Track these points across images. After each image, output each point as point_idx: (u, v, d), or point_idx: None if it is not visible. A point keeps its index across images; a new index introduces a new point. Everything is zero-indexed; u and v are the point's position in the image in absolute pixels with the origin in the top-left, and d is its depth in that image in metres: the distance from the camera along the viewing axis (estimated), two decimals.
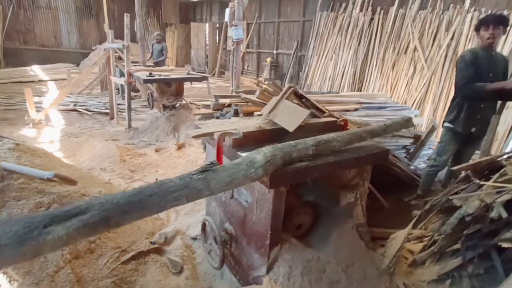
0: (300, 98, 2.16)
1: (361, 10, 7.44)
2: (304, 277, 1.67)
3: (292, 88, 1.95)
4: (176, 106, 4.93)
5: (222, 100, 3.03)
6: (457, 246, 2.25)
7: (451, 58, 5.90)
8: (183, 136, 4.54)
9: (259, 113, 2.70)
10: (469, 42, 5.67)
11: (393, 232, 2.48)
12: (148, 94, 4.63)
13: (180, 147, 4.34)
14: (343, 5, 7.79)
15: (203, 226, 2.12)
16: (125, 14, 4.66)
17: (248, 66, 11.55)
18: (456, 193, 2.18)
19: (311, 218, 2.03)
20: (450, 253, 2.27)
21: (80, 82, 6.59)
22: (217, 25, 12.67)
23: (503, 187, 2.04)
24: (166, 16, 13.82)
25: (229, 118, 2.94)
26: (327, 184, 2.01)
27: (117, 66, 5.50)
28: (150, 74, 4.28)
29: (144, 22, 14.27)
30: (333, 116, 2.23)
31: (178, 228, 2.53)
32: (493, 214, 1.83)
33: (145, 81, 4.08)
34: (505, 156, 2.63)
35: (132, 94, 7.76)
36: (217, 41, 12.82)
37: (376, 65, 7.23)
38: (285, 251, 1.73)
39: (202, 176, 1.15)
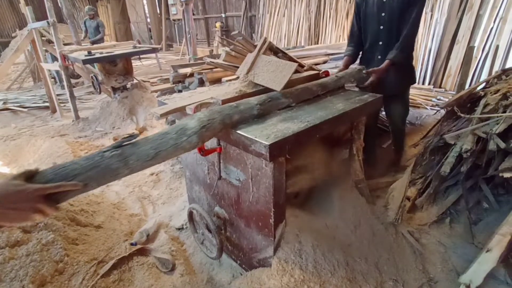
0: (276, 53, 1.87)
1: None
2: (316, 249, 1.51)
3: (267, 41, 1.66)
4: (127, 86, 4.37)
5: (182, 70, 2.64)
6: (447, 183, 2.25)
7: None
8: (143, 119, 4.08)
9: (228, 78, 2.38)
10: None
11: (384, 181, 2.42)
12: (92, 77, 4.01)
13: (141, 131, 3.90)
14: None
15: (190, 215, 1.86)
16: None
17: (197, 35, 10.75)
18: (448, 131, 2.11)
19: (308, 182, 1.85)
20: (442, 192, 2.26)
21: (3, 75, 5.61)
22: None
23: (491, 117, 2.00)
24: None
25: (195, 89, 2.59)
26: (318, 142, 1.82)
27: (47, 51, 4.69)
28: (89, 53, 3.65)
29: None
30: (314, 69, 2.00)
31: (160, 221, 2.24)
32: (491, 146, 1.78)
33: (85, 61, 3.47)
34: (481, 87, 2.63)
35: (73, 81, 6.89)
36: (158, 11, 11.69)
37: (330, 16, 7.01)
38: (291, 225, 1.55)
39: (117, 152, 0.94)
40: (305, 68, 1.97)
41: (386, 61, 2.06)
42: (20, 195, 0.71)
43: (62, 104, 5.14)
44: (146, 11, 12.07)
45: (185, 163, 2.00)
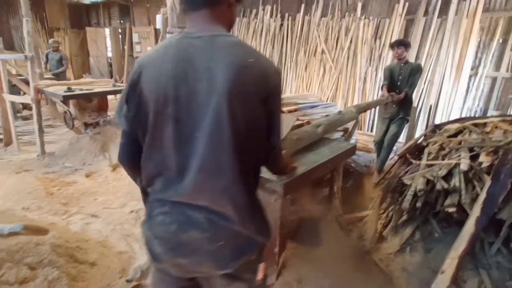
0: None
1: (271, 16, 7.92)
2: (313, 275, 1.74)
3: None
4: (99, 123, 4.35)
5: None
6: (404, 218, 2.68)
7: (352, 59, 6.83)
8: (116, 155, 4.05)
9: None
10: (364, 44, 6.66)
11: (355, 216, 2.78)
12: (65, 112, 3.95)
13: (114, 168, 3.87)
14: (254, 11, 8.16)
15: None
16: (24, 19, 3.86)
17: None
18: (404, 174, 2.59)
19: (297, 218, 2.12)
20: (401, 225, 2.68)
21: None
22: (119, 30, 11.63)
23: (435, 164, 2.52)
24: (52, 20, 11.94)
25: None
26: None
27: (14, 85, 4.49)
28: (69, 89, 3.65)
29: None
30: (299, 119, 2.37)
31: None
32: (438, 186, 2.25)
33: (65, 97, 3.46)
34: (421, 139, 3.24)
35: (28, 112, 6.51)
36: (121, 47, 11.78)
37: (290, 67, 7.82)
38: (290, 255, 1.77)
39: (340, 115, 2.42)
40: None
41: (403, 92, 3.58)
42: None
43: (19, 137, 4.84)
44: (108, 46, 12.07)
45: None
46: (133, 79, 0.90)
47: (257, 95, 0.88)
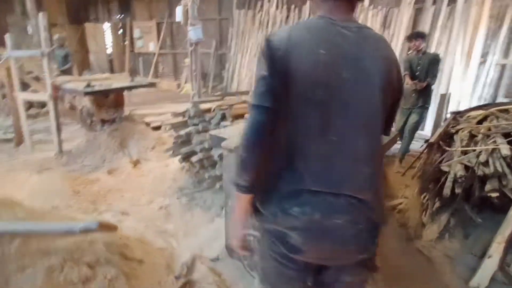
0: None
1: (277, 8, 7.83)
2: None
3: None
4: (115, 119, 4.29)
5: (202, 106, 2.81)
6: (437, 204, 2.69)
7: None
8: (135, 151, 4.01)
9: None
10: None
11: (391, 204, 2.79)
12: (81, 108, 3.88)
13: (135, 164, 3.83)
14: (259, 3, 8.05)
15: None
16: (41, 13, 3.76)
17: (163, 68, 10.84)
18: (441, 161, 2.59)
19: None
20: (436, 212, 2.69)
21: None
22: (119, 25, 11.43)
23: (469, 150, 2.53)
24: (50, 15, 11.60)
25: (218, 124, 2.76)
26: None
27: (25, 83, 4.38)
28: (89, 84, 3.58)
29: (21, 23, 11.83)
30: None
31: (193, 254, 2.26)
32: (479, 172, 2.25)
33: (86, 93, 3.39)
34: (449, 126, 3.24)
35: (36, 110, 6.41)
36: (122, 43, 11.60)
37: None
38: None
39: None
40: None
41: (425, 81, 3.67)
42: None
43: (31, 136, 4.76)
44: (106, 42, 11.88)
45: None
46: (279, 56, 0.86)
47: (395, 89, 0.95)
